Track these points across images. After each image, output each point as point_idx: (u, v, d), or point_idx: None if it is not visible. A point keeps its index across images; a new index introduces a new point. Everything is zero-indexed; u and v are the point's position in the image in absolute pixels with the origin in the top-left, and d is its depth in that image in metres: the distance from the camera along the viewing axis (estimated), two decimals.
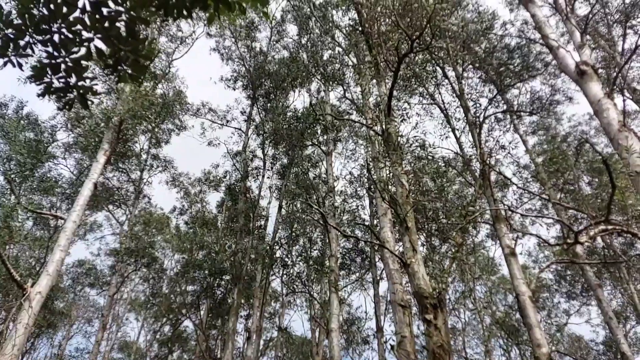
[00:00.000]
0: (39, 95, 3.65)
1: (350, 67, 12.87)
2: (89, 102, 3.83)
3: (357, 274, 23.24)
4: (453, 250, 13.14)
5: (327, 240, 13.09)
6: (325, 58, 15.47)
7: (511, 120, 18.48)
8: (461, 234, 10.05)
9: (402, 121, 11.31)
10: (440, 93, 15.23)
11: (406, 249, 8.04)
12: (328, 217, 13.18)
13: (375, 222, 18.43)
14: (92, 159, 14.36)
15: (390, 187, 8.92)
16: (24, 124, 17.09)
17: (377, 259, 17.87)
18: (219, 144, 21.61)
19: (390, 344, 8.19)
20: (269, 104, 18.84)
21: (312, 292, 15.94)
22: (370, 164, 10.54)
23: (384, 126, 9.43)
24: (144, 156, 24.47)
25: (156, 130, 24.81)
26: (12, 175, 13.86)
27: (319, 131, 15.45)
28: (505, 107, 17.69)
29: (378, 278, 16.99)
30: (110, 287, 20.73)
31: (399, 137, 9.19)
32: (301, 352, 41.61)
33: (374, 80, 10.80)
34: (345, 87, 12.43)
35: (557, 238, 23.52)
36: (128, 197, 25.00)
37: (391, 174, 9.09)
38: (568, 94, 19.38)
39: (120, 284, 20.99)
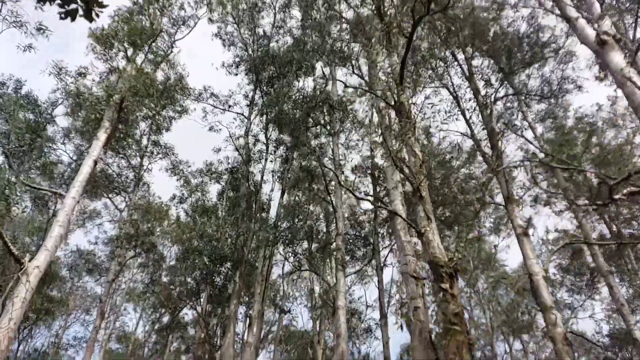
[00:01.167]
0: (39, 1, 3.32)
1: (359, 42, 12.53)
2: (94, 15, 3.50)
3: (360, 263, 23.00)
4: (466, 226, 12.81)
5: (334, 219, 12.78)
6: (332, 34, 15.11)
7: (519, 108, 18.17)
8: (478, 204, 9.72)
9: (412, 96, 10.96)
10: (449, 75, 14.90)
11: (420, 218, 7.73)
12: (334, 194, 12.86)
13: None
14: (93, 139, 13.99)
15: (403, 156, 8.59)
16: (23, 103, 16.73)
17: (380, 247, 17.57)
18: (220, 129, 21.28)
19: (403, 317, 7.87)
20: (272, 88, 18.48)
21: (317, 271, 15.57)
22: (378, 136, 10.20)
23: (395, 96, 9.11)
24: (145, 142, 24.13)
25: (157, 117, 24.54)
26: (11, 150, 13.50)
27: (325, 110, 15.12)
28: (511, 102, 17.42)
29: (382, 265, 16.67)
30: (109, 274, 20.37)
31: (411, 107, 8.84)
32: (300, 345, 41.34)
33: (384, 53, 10.48)
34: (353, 63, 12.10)
35: (561, 238, 23.24)
36: (128, 184, 24.63)
37: (404, 144, 8.76)
38: (578, 83, 19.09)
39: (118, 270, 20.62)
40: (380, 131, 9.15)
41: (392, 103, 9.29)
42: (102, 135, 13.92)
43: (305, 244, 15.55)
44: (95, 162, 13.47)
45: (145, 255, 20.80)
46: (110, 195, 24.18)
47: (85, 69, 14.54)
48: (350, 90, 16.18)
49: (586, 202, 12.57)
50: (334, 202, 12.86)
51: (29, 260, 10.83)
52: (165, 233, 27.36)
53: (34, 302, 24.17)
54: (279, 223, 15.57)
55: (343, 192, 13.25)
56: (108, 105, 14.63)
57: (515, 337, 28.52)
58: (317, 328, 19.94)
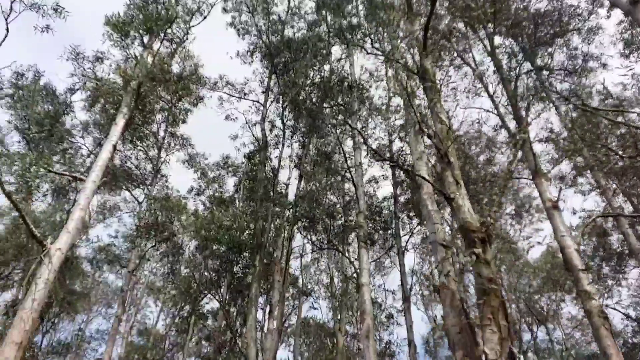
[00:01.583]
0: None
1: (377, 15, 12.22)
2: None
3: (379, 251, 22.72)
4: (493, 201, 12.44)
5: (355, 197, 12.54)
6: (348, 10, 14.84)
7: (542, 88, 17.69)
8: (506, 177, 9.41)
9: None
10: (471, 51, 14.54)
11: (449, 184, 7.47)
12: (354, 172, 12.62)
13: (398, 191, 17.84)
14: (111, 125, 13.97)
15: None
16: (41, 95, 16.79)
17: (401, 231, 17.29)
18: (236, 118, 21.21)
19: (433, 285, 7.61)
20: (288, 73, 18.29)
21: (340, 248, 15.32)
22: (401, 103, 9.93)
23: (418, 63, 8.84)
24: (161, 133, 24.17)
25: (173, 109, 24.59)
26: (31, 136, 13.53)
27: (342, 90, 14.86)
28: (535, 76, 16.94)
29: (403, 249, 16.38)
30: (129, 264, 20.41)
31: (435, 72, 8.56)
32: (319, 339, 41.14)
33: (405, 22, 10.19)
34: (372, 37, 11.83)
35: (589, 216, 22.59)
36: (146, 176, 24.70)
37: (429, 111, 8.49)
38: (602, 60, 18.54)
39: (139, 261, 20.64)
40: (403, 98, 8.88)
41: (415, 70, 9.02)
42: (120, 121, 13.89)
43: (325, 224, 15.31)
44: (115, 147, 13.44)
45: (165, 245, 20.78)
46: (129, 188, 24.27)
47: (102, 54, 14.53)
48: (368, 66, 15.84)
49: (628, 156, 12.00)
50: (354, 179, 12.64)
51: (51, 243, 10.82)
52: (184, 227, 27.45)
53: (57, 294, 24.39)
54: (297, 203, 15.36)
55: (363, 170, 13.04)
56: (126, 91, 14.61)
57: (540, 324, 27.97)
58: (338, 316, 19.72)
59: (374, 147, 17.70)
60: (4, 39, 10.52)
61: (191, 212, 26.53)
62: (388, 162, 12.53)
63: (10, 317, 15.46)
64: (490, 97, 13.35)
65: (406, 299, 14.93)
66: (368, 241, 11.91)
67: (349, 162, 13.74)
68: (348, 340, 21.02)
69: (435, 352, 33.59)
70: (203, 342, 32.18)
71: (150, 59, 15.94)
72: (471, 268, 6.79)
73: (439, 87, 8.29)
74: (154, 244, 20.78)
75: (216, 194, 26.28)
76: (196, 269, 23.51)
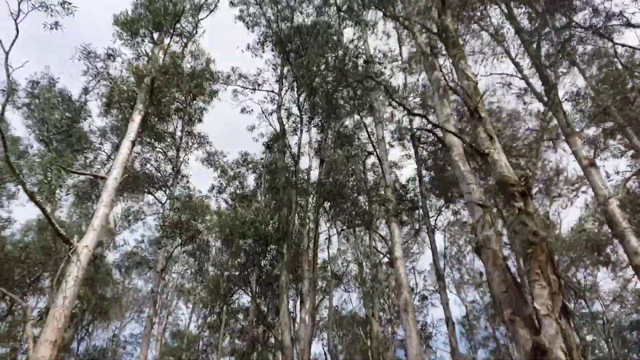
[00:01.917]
0: None
1: None
2: None
3: (407, 235, 22.29)
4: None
5: (381, 171, 12.18)
6: None
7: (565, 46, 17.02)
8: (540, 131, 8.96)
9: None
10: (489, 16, 14.02)
11: (481, 140, 7.08)
12: (378, 147, 12.27)
13: (423, 170, 17.40)
14: (128, 122, 13.89)
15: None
16: (56, 102, 16.80)
17: (429, 209, 16.86)
18: (251, 110, 21.02)
19: (474, 246, 7.24)
20: (301, 59, 17.98)
21: (368, 226, 14.99)
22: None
23: (438, 22, 8.45)
24: (178, 133, 24.16)
25: (187, 108, 24.56)
26: (50, 136, 13.52)
27: (359, 67, 14.48)
28: (557, 38, 16.29)
29: (433, 226, 15.94)
30: (157, 264, 20.43)
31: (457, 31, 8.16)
32: (352, 331, 40.84)
33: None
34: (385, 5, 11.40)
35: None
36: (167, 178, 24.73)
37: (453, 69, 8.10)
38: (625, 15, 17.76)
39: (166, 261, 20.65)
40: (425, 55, 8.49)
41: (435, 30, 8.63)
42: (136, 117, 13.80)
43: (352, 199, 14.96)
44: (133, 143, 13.34)
45: (191, 244, 20.72)
46: (151, 191, 24.34)
47: (113, 51, 14.45)
48: (381, 48, 15.40)
49: None
50: (379, 154, 12.27)
51: (77, 241, 10.75)
52: (208, 229, 27.41)
53: (89, 301, 24.64)
54: (321, 183, 15.04)
55: (387, 144, 12.65)
56: (140, 87, 14.54)
57: (578, 299, 27.21)
58: (370, 303, 19.38)
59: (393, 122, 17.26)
60: (14, 40, 10.44)
61: (214, 211, 26.55)
62: (416, 115, 11.98)
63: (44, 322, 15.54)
64: (513, 60, 12.83)
65: (440, 277, 14.52)
66: (398, 214, 11.55)
67: (372, 137, 13.40)
68: (382, 324, 20.65)
69: (471, 334, 32.97)
70: (236, 341, 32.30)
71: (161, 55, 15.86)
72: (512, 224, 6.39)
73: (461, 44, 7.89)
74: (180, 244, 20.75)
75: (237, 190, 26.21)
76: (223, 267, 23.47)
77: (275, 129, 17.86)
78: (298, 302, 19.10)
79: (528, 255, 6.18)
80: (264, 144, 19.54)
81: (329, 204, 15.37)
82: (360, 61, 14.43)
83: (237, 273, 20.77)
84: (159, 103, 15.64)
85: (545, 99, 11.62)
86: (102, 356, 25.83)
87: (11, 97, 10.11)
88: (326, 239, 26.49)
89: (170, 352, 28.78)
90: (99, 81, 14.18)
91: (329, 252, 28.17)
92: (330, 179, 15.19)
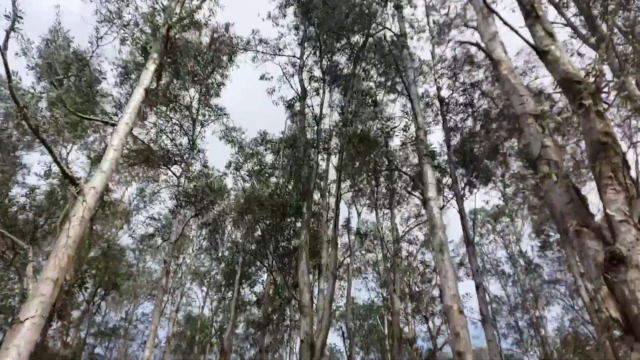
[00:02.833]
0: None
1: None
2: None
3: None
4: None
5: (413, 113, 11.24)
6: None
7: None
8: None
9: None
10: None
11: (540, 38, 6.17)
12: (409, 88, 11.37)
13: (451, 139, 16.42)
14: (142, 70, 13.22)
15: None
16: (71, 58, 16.17)
17: (458, 176, 15.88)
18: (271, 77, 20.22)
19: (529, 164, 6.31)
20: (325, 22, 17.13)
21: (397, 169, 14.05)
22: None
23: None
24: (195, 104, 23.50)
25: (205, 81, 23.96)
26: (58, 80, 12.83)
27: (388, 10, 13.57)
28: None
29: (461, 193, 14.96)
30: (171, 235, 19.76)
31: None
32: (367, 323, 39.90)
33: None
34: None
35: None
36: (183, 152, 24.09)
37: None
38: None
39: (181, 230, 19.96)
40: None
41: None
42: (151, 66, 13.12)
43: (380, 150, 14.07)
44: (146, 91, 12.65)
45: (205, 213, 20.02)
46: (167, 164, 23.68)
47: None
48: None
49: None
50: (410, 95, 11.36)
51: (85, 182, 10.09)
52: (226, 213, 26.70)
53: (101, 276, 24.17)
54: (347, 137, 14.17)
55: (419, 87, 11.75)
56: (155, 37, 13.88)
57: None
58: (392, 277, 18.45)
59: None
60: None
61: (230, 188, 25.89)
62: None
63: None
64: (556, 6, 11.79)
65: (469, 243, 13.56)
66: (431, 155, 10.63)
67: (403, 77, 12.46)
68: (404, 301, 19.74)
69: (494, 322, 31.64)
70: (251, 328, 31.68)
71: (178, 8, 15.20)
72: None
73: None
74: (194, 214, 20.06)
75: (255, 167, 25.57)
76: (239, 243, 22.80)
77: (296, 91, 17.06)
78: (316, 275, 18.34)
79: (598, 158, 5.26)
80: (285, 104, 18.70)
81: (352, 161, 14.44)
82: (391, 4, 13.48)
83: (253, 247, 20.06)
84: (173, 54, 14.89)
85: None
86: (113, 333, 25.36)
87: (17, 23, 9.36)
88: (345, 222, 25.67)
89: (182, 332, 28.23)
90: (111, 26, 13.49)
91: (349, 234, 27.31)
92: (354, 128, 14.26)
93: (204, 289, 32.65)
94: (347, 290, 26.36)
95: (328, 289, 11.84)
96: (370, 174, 16.48)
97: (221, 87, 24.81)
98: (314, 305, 11.97)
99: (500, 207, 29.55)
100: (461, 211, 14.22)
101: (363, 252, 36.56)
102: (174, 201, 19.52)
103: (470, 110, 15.69)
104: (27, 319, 8.08)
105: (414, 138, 11.85)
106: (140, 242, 33.08)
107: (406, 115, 15.48)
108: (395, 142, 15.60)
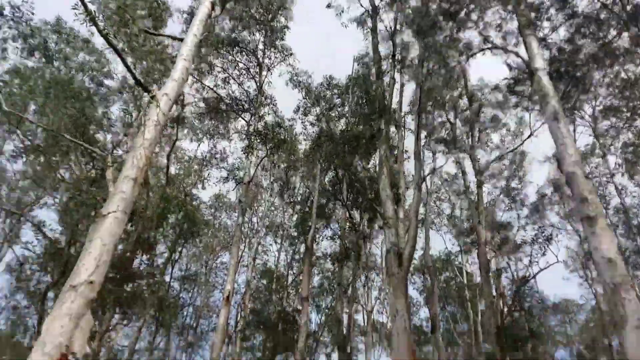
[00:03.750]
0: None
1: None
2: None
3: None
4: None
5: None
6: None
7: None
8: None
9: None
10: None
11: None
12: None
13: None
14: None
15: None
16: None
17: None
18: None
19: None
20: None
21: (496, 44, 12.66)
22: None
23: None
24: (261, 46, 23.02)
25: (270, 23, 23.45)
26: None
27: None
28: None
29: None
30: (245, 176, 19.63)
31: None
32: (444, 276, 38.61)
33: None
34: None
35: None
36: (251, 99, 23.81)
37: None
38: None
39: (254, 171, 19.78)
40: None
41: None
42: None
43: None
44: (212, 4, 12.16)
45: (277, 152, 19.62)
46: (236, 110, 23.53)
47: None
48: None
49: None
50: None
51: (158, 89, 9.84)
52: (295, 169, 26.36)
53: (181, 226, 24.81)
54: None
55: None
56: None
57: None
58: (477, 209, 17.22)
59: None
60: None
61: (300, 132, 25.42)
62: None
63: None
64: None
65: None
66: (534, 24, 9.30)
67: None
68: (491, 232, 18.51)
69: None
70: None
71: None
72: None
73: None
74: (266, 154, 19.74)
75: (324, 111, 24.87)
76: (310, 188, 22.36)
77: (366, 9, 15.93)
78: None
79: None
80: (354, 21, 17.61)
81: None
82: None
83: (327, 186, 19.50)
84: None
85: None
86: (195, 276, 26.17)
87: None
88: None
89: (260, 281, 28.65)
90: None
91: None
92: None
93: (278, 240, 32.92)
94: (425, 240, 25.32)
95: (414, 200, 11.01)
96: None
97: (285, 30, 24.29)
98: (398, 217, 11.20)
99: (591, 144, 27.01)
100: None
101: (438, 202, 35.24)
102: (245, 142, 19.32)
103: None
104: (109, 212, 7.89)
105: None
106: (216, 200, 33.90)
107: None
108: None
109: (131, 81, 14.89)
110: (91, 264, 6.68)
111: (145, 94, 9.89)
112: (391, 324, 9.58)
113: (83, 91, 12.73)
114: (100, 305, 11.90)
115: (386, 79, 14.46)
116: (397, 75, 14.97)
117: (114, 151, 12.85)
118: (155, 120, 9.26)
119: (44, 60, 17.24)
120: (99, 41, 18.15)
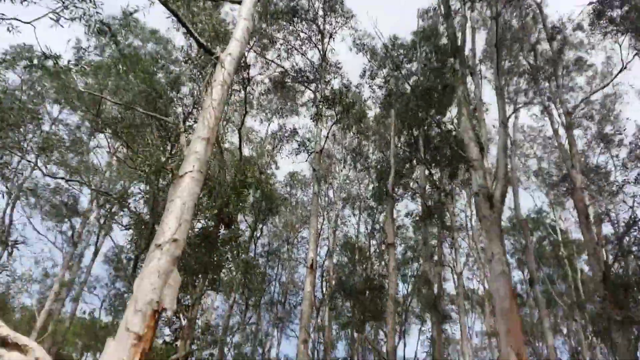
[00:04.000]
0: None
1: None
2: None
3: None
4: None
5: None
6: None
7: None
8: None
9: None
10: None
11: None
12: None
13: None
14: None
15: None
16: None
17: None
18: None
19: None
20: None
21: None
22: None
23: None
24: (320, 12, 22.42)
25: None
26: None
27: None
28: None
29: None
30: (316, 145, 19.33)
31: None
32: (535, 236, 36.39)
33: None
34: None
35: None
36: (315, 68, 23.37)
37: None
38: None
39: (325, 140, 19.40)
40: None
41: None
42: None
43: None
44: None
45: (346, 117, 19.09)
46: (303, 81, 23.24)
47: None
48: None
49: None
50: None
51: (221, 51, 9.68)
52: (365, 135, 25.70)
53: (259, 203, 25.16)
54: None
55: None
56: None
57: None
58: (569, 152, 15.65)
59: None
60: None
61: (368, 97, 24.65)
62: None
63: None
64: None
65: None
66: None
67: None
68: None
69: None
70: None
71: None
72: None
73: None
74: (335, 120, 19.30)
75: (391, 72, 23.94)
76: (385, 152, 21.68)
77: None
78: None
79: None
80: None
81: None
82: None
83: (403, 147, 18.76)
84: None
85: None
86: (276, 254, 26.57)
87: None
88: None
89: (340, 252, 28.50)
90: None
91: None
92: None
93: (356, 212, 32.57)
94: (514, 195, 23.67)
95: (500, 138, 10.08)
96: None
97: None
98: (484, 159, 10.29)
99: None
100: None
101: (523, 159, 33.11)
102: (313, 109, 18.99)
103: None
104: (185, 173, 7.84)
105: None
106: (290, 178, 34.12)
107: None
108: None
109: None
110: (173, 223, 6.61)
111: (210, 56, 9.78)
112: (488, 269, 8.85)
113: (151, 66, 12.96)
114: (190, 273, 12.21)
115: (457, 19, 13.42)
116: (468, 13, 13.81)
117: (186, 121, 13.02)
118: (221, 81, 9.13)
119: (116, 54, 17.86)
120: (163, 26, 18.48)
